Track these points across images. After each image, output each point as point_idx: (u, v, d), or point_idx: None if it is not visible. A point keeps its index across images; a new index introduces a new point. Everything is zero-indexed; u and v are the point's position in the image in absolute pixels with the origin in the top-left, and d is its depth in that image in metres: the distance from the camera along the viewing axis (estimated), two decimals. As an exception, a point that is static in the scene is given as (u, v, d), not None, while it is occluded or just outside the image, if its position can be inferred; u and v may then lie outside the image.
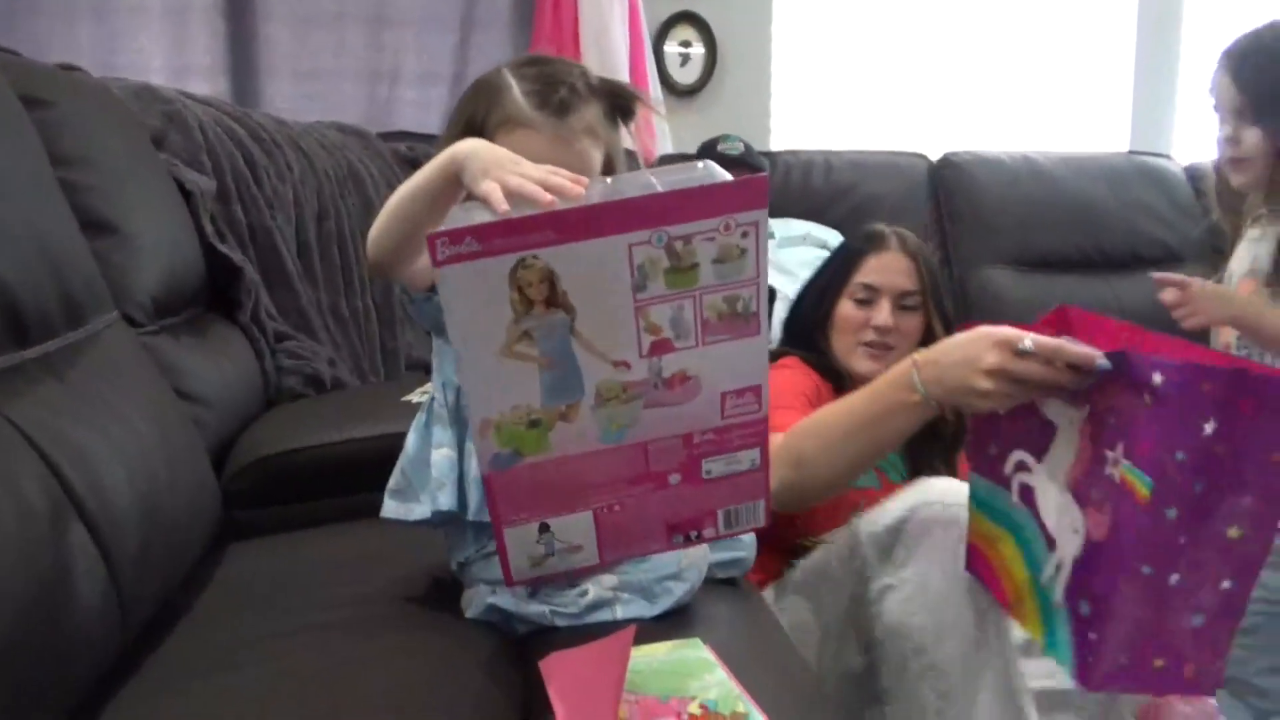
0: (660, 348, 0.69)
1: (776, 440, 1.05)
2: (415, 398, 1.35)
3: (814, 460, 1.05)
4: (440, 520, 0.87)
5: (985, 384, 0.87)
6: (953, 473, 1.29)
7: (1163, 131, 3.19)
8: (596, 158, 0.89)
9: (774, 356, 1.37)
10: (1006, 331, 0.87)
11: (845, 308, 1.38)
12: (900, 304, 1.35)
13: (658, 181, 0.66)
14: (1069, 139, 3.08)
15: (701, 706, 0.65)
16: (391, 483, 0.91)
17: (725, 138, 2.37)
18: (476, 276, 0.62)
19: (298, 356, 1.60)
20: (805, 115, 3.02)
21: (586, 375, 0.68)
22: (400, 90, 2.56)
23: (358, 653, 0.83)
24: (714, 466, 0.75)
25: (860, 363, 1.35)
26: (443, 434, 0.87)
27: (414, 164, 2.22)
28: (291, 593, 0.99)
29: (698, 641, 0.76)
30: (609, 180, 0.70)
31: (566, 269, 0.64)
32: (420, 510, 0.87)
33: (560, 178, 0.69)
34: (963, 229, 2.65)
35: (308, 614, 0.91)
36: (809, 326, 1.41)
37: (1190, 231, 2.78)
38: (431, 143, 2.37)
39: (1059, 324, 0.95)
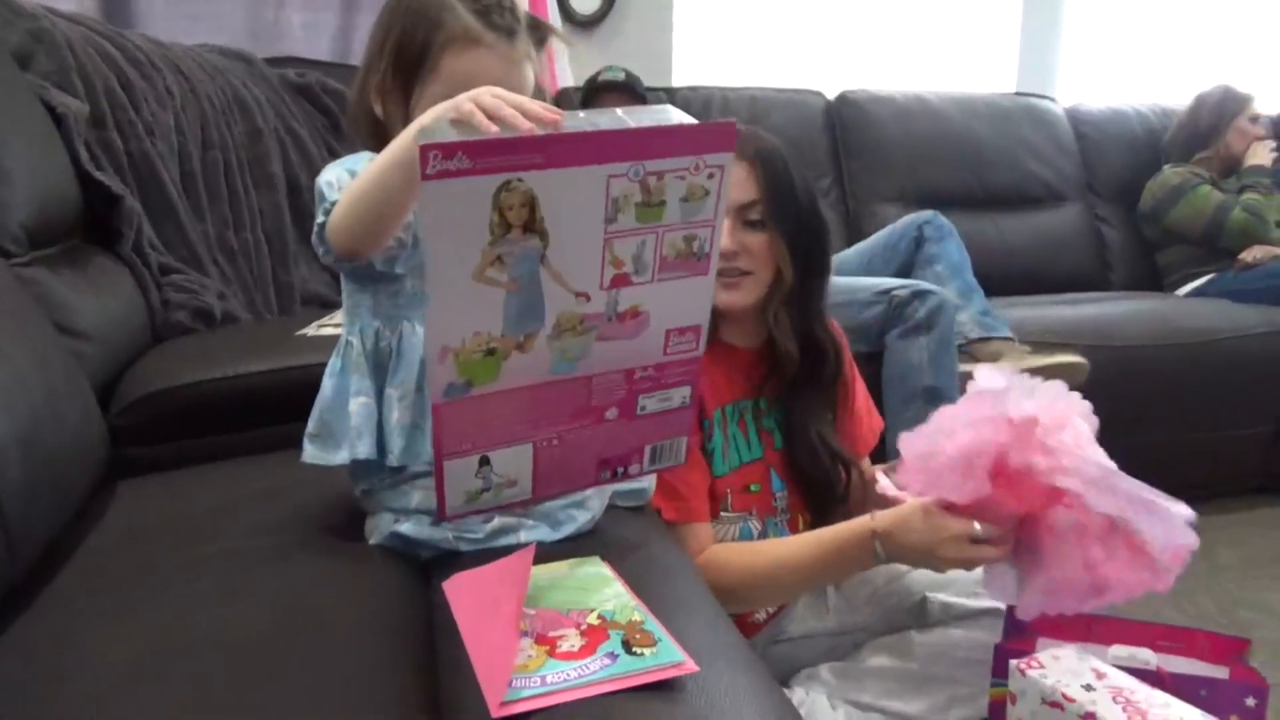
0: (619, 281, 0.69)
1: (723, 569, 1.10)
2: (312, 331, 1.33)
3: (763, 603, 1.19)
4: (357, 465, 0.87)
5: (945, 566, 1.00)
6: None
7: (1047, 74, 3.31)
8: (532, 84, 0.90)
9: None
10: (956, 528, 0.95)
11: None
12: (744, 219, 1.15)
13: (629, 119, 0.67)
14: (960, 79, 3.18)
15: (600, 617, 0.68)
16: (310, 427, 0.90)
17: (608, 68, 2.38)
18: (461, 194, 0.61)
19: (185, 290, 1.55)
20: (705, 51, 3.02)
21: (549, 305, 0.68)
22: (287, 12, 2.45)
23: (257, 583, 0.83)
24: (649, 403, 0.77)
25: (715, 295, 1.23)
26: (360, 382, 0.87)
27: (305, 91, 2.14)
28: (188, 527, 0.97)
29: (597, 559, 0.79)
30: (580, 114, 0.69)
31: (548, 195, 0.63)
32: (341, 456, 0.87)
33: (535, 105, 0.69)
34: (858, 165, 2.71)
35: (204, 546, 0.90)
36: None
37: (1068, 170, 2.92)
38: (323, 69, 2.29)
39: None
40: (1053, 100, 3.05)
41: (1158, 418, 2.24)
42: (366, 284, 0.88)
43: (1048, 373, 1.95)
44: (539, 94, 0.86)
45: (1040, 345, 2.04)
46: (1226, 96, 2.84)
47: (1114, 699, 0.88)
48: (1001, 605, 1.17)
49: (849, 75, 2.99)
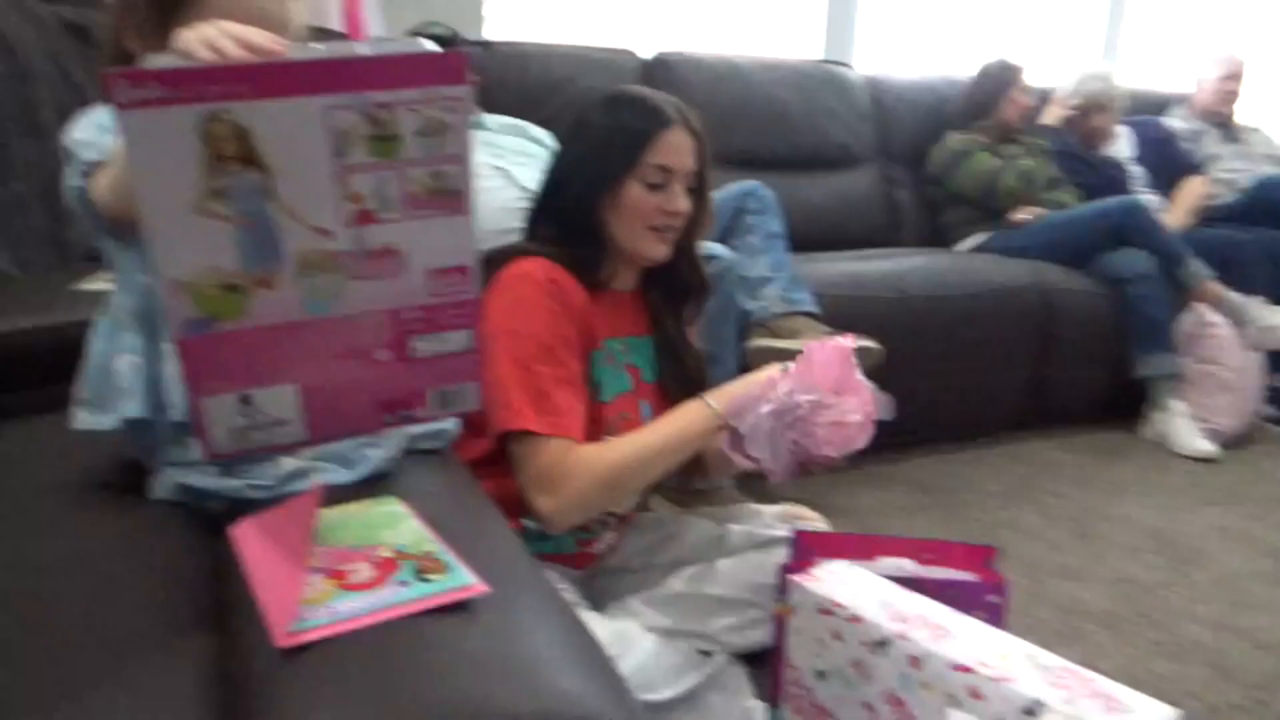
0: (364, 218, 0.69)
1: (593, 462, 1.16)
2: (86, 285, 1.26)
3: (632, 487, 1.25)
4: (134, 426, 0.84)
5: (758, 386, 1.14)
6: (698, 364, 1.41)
7: (848, 43, 3.49)
8: (299, 18, 0.88)
9: (516, 254, 1.25)
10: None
11: (635, 192, 1.24)
12: (687, 186, 1.27)
13: (362, 50, 0.66)
14: (771, 46, 3.31)
15: (393, 550, 0.69)
16: (80, 392, 0.86)
17: (432, 24, 2.33)
18: (161, 125, 0.59)
19: (-58, 245, 1.42)
20: (519, 8, 3.00)
21: (285, 241, 0.67)
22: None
23: (29, 548, 0.79)
24: (423, 345, 0.76)
25: (654, 248, 1.28)
26: (130, 339, 0.84)
27: (82, 31, 1.97)
28: (-49, 491, 0.91)
29: (393, 498, 0.80)
30: (313, 45, 0.68)
31: (262, 127, 0.62)
32: (111, 420, 0.84)
33: (259, 36, 0.68)
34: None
35: (-30, 509, 0.85)
36: (579, 213, 1.28)
37: (865, 135, 3.10)
38: (106, 9, 2.12)
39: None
40: (850, 68, 3.23)
41: (937, 361, 2.45)
42: (132, 241, 0.85)
43: None
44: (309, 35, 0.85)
45: (839, 329, 2.14)
46: (1003, 68, 3.09)
47: (878, 602, 0.98)
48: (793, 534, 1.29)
49: (662, 37, 3.05)
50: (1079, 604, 1.75)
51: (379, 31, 2.57)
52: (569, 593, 1.27)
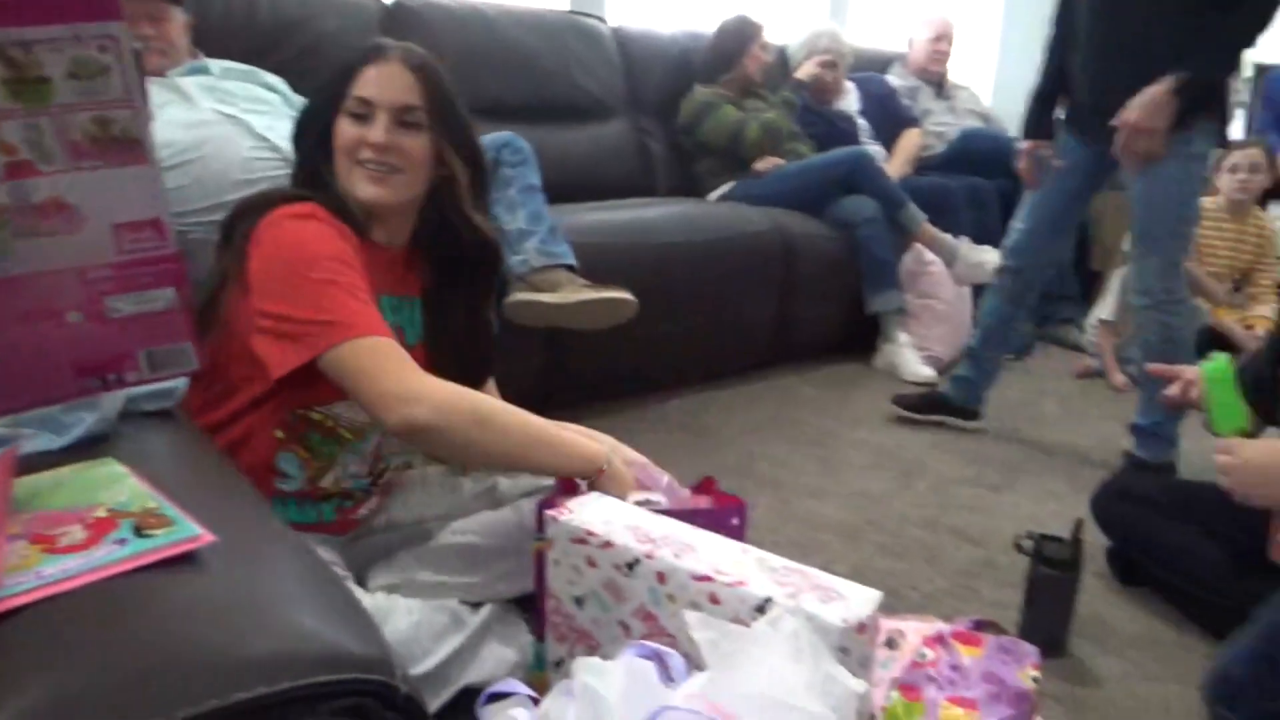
0: (21, 170, 0.63)
1: (462, 391, 1.13)
2: None
3: (487, 449, 1.14)
4: None
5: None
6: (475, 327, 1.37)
7: (597, -5, 3.52)
8: None
9: (290, 200, 1.19)
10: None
11: (342, 125, 1.22)
12: (401, 120, 1.21)
13: None
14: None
15: (109, 510, 0.65)
16: None
17: None
18: None
19: None
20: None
21: None
22: None
23: None
24: (121, 305, 0.71)
25: (362, 187, 1.22)
26: None
27: None
28: None
29: (111, 460, 0.75)
30: None
31: None
32: None
33: None
34: (417, 74, 2.70)
35: None
36: (314, 157, 1.26)
37: (615, 86, 3.16)
38: None
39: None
40: (602, 20, 3.27)
41: (688, 305, 2.57)
42: None
43: (600, 305, 2.10)
44: None
45: (597, 280, 2.13)
46: (743, 24, 3.24)
47: (627, 528, 1.03)
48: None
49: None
50: (820, 518, 1.93)
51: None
52: (332, 560, 1.24)
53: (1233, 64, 2.08)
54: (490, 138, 2.18)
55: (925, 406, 2.54)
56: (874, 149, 3.39)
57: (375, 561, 1.31)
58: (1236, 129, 3.98)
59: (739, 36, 3.21)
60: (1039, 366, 3.23)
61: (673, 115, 3.20)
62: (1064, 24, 2.21)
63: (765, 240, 2.75)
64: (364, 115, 1.21)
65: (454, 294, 1.34)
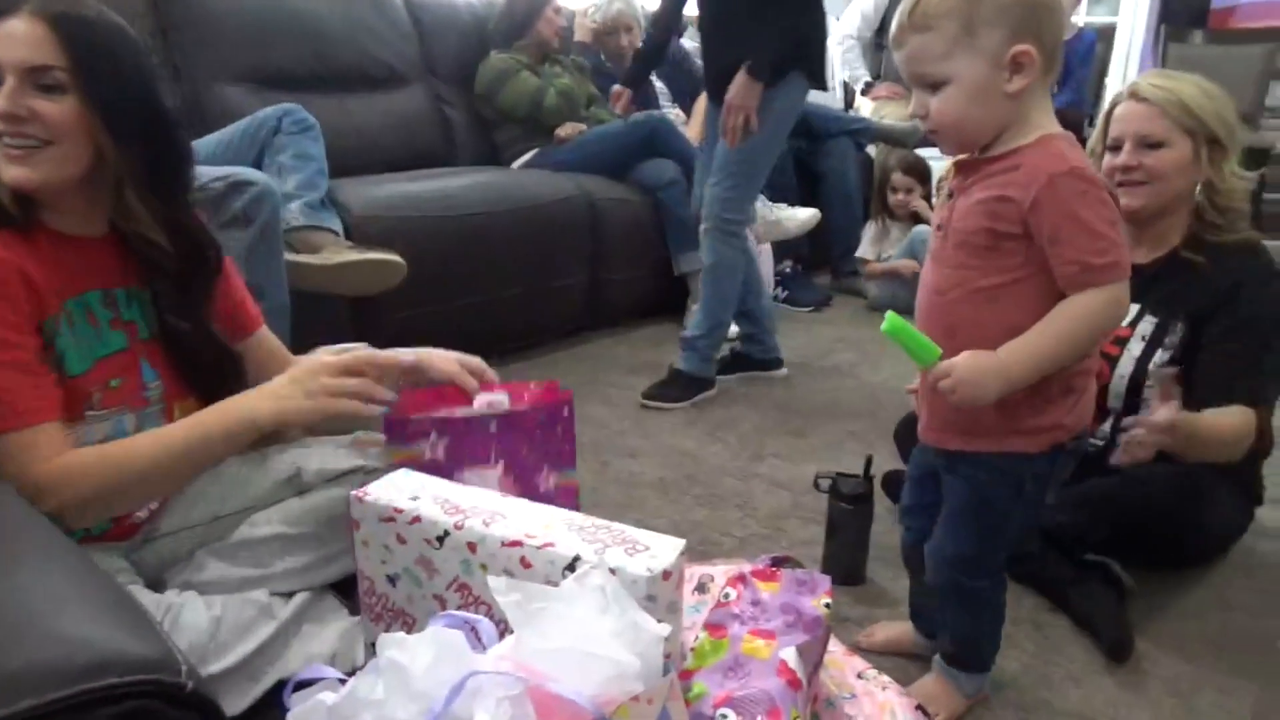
0: None
1: (96, 452, 1.06)
2: None
3: (135, 499, 1.14)
4: None
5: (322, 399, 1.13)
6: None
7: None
8: None
9: None
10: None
11: None
12: (37, 83, 1.04)
13: None
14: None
15: None
16: None
17: None
18: None
19: None
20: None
21: None
22: None
23: None
24: None
25: (3, 168, 1.06)
26: None
27: None
28: None
29: None
30: None
31: None
32: None
33: None
34: (188, 41, 2.52)
35: None
36: None
37: (409, 54, 3.06)
38: None
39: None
40: (392, -15, 3.15)
41: (499, 275, 2.56)
42: None
43: (366, 267, 2.07)
44: None
45: (362, 241, 2.12)
46: (535, -10, 3.21)
47: (435, 501, 1.03)
48: (367, 462, 1.30)
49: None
50: (638, 477, 1.98)
51: None
52: (118, 568, 1.17)
53: (787, 44, 2.25)
54: (272, 109, 2.10)
55: (731, 367, 2.63)
56: (673, 113, 3.46)
57: (174, 564, 1.25)
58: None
59: (531, 1, 3.18)
60: (836, 316, 3.42)
61: (471, 82, 3.14)
62: None
63: (572, 206, 2.77)
64: None
65: (169, 290, 1.21)
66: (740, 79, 2.21)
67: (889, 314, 1.00)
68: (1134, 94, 1.49)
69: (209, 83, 2.52)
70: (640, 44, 3.55)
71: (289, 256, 1.95)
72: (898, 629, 1.36)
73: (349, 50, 2.85)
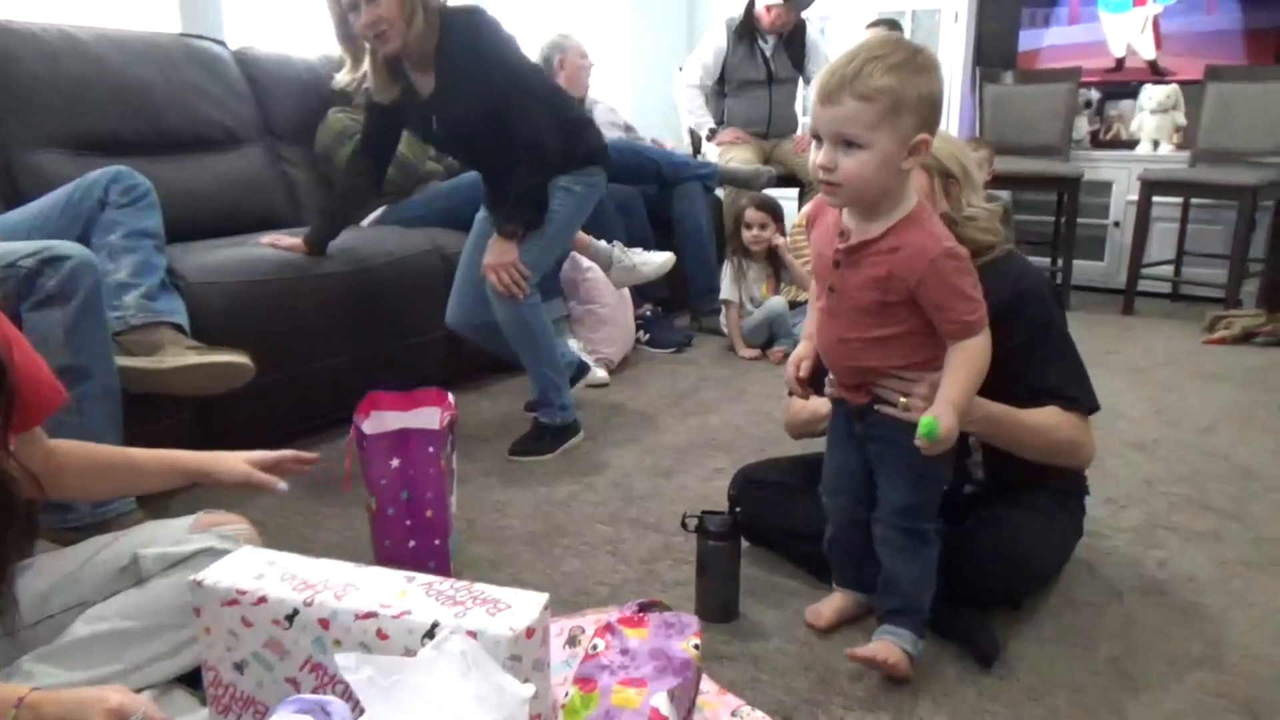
0: None
1: None
2: None
3: None
4: None
5: None
6: None
7: (213, 16, 3.28)
8: None
9: None
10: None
11: None
12: None
13: None
14: (117, 20, 2.97)
15: None
16: None
17: None
18: None
19: None
20: None
21: None
22: None
23: None
24: None
25: None
26: None
27: None
28: None
29: None
30: None
31: None
32: None
33: None
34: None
35: None
36: None
37: (244, 114, 2.97)
38: None
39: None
40: (222, 43, 3.05)
41: (356, 334, 2.48)
42: None
43: (209, 370, 1.89)
44: None
45: (210, 343, 1.95)
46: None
47: (283, 577, 0.98)
48: (216, 544, 1.21)
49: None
50: (507, 532, 1.94)
51: None
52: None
53: (531, 206, 2.30)
54: (98, 173, 1.96)
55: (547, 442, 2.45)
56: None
57: (-2, 672, 1.13)
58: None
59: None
60: (698, 356, 3.48)
61: (310, 142, 3.07)
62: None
63: (426, 261, 2.72)
64: None
65: None
66: (493, 242, 2.23)
67: (923, 420, 1.20)
68: None
69: (24, 150, 2.37)
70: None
71: (121, 361, 1.77)
72: (838, 601, 1.52)
73: (178, 113, 2.72)
